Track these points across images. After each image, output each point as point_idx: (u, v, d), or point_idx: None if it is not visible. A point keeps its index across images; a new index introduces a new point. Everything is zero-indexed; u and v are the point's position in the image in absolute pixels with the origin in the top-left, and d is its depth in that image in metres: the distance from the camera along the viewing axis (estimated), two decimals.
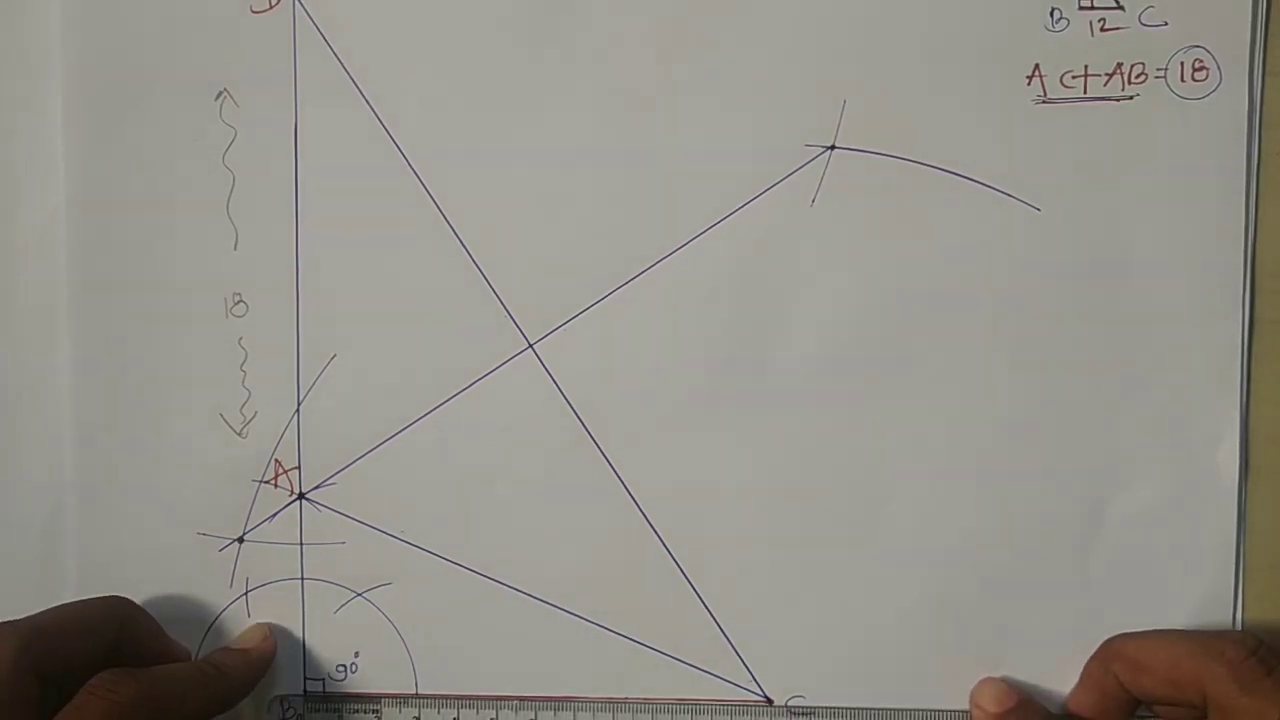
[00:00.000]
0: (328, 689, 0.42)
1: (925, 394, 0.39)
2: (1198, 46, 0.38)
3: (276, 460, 0.41)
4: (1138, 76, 0.38)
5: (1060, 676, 0.39)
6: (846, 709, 0.40)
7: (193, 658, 0.41)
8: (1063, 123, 0.38)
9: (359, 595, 0.41)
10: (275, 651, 0.41)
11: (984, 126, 0.39)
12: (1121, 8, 0.38)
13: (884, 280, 0.39)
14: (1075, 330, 0.39)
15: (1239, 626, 0.39)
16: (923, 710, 0.40)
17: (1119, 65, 0.38)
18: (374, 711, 0.42)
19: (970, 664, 0.40)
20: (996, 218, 0.39)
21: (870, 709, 0.40)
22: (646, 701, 0.41)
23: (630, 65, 0.39)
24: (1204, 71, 0.38)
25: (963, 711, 0.40)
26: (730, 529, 0.40)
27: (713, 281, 0.40)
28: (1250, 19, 0.38)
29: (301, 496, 0.41)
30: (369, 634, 0.41)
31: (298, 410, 0.41)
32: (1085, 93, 0.38)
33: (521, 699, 0.41)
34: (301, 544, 0.41)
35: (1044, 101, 0.38)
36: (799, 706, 0.40)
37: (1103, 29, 0.38)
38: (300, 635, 0.42)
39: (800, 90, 0.39)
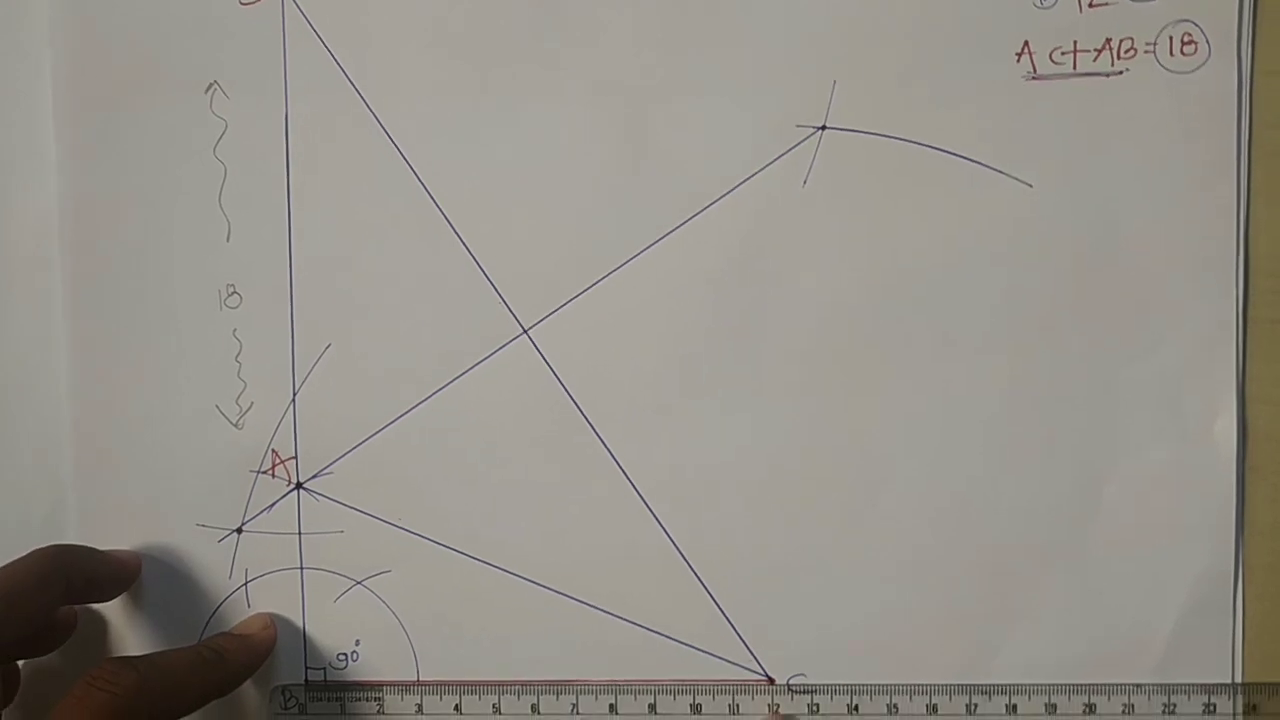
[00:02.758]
0: (329, 678, 0.42)
1: (920, 372, 0.39)
2: (1186, 20, 0.38)
3: (273, 450, 0.41)
4: (1127, 51, 0.38)
5: (1060, 653, 0.40)
6: (847, 686, 0.40)
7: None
8: (1053, 99, 0.38)
9: (358, 584, 0.41)
10: (276, 640, 0.41)
11: (974, 104, 0.39)
12: None
13: (877, 259, 0.39)
14: (1069, 305, 0.39)
15: (1239, 627, 0.39)
16: (923, 685, 0.40)
17: (1108, 40, 0.38)
18: (376, 699, 0.42)
19: (970, 641, 0.40)
20: (988, 195, 0.39)
21: (871, 685, 0.40)
22: (648, 683, 0.41)
23: (620, 50, 0.39)
24: (1193, 45, 0.38)
25: (963, 686, 0.40)
26: (728, 511, 0.40)
27: (707, 264, 0.40)
28: None
29: (299, 486, 0.41)
30: (369, 622, 0.41)
31: (293, 400, 0.41)
32: (1075, 68, 0.38)
33: (523, 684, 0.41)
34: (300, 533, 0.41)
35: (1034, 78, 0.38)
36: (800, 685, 0.41)
37: (1091, 4, 0.38)
38: (300, 625, 0.42)
39: (790, 71, 0.39)
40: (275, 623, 0.41)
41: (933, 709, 0.40)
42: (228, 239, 0.41)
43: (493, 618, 0.41)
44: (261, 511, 0.41)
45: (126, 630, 0.42)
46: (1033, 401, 0.39)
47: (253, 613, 0.41)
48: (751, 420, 0.40)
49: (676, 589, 0.41)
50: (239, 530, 0.41)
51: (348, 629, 0.42)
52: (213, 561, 0.42)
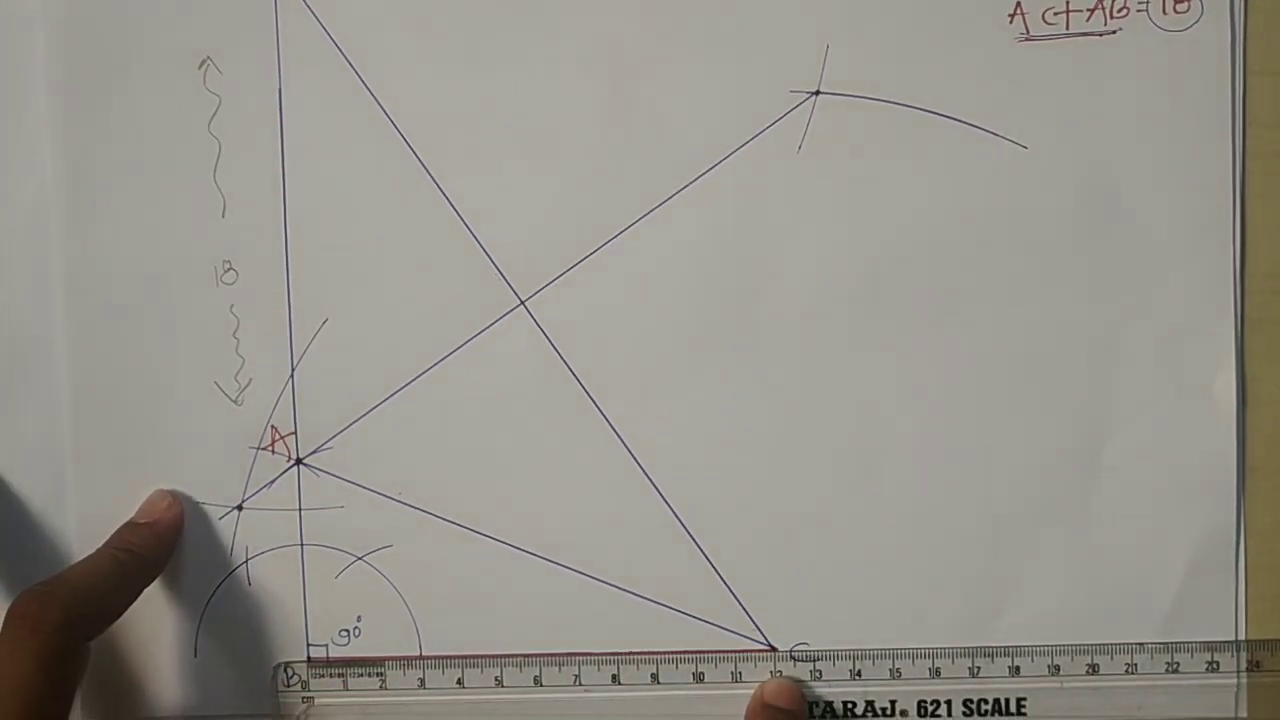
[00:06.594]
0: (331, 654, 0.42)
1: (919, 336, 0.39)
2: None
3: (273, 426, 0.41)
4: (1119, 10, 0.38)
5: (1062, 614, 0.40)
6: (849, 651, 0.40)
7: (196, 631, 0.42)
8: (1046, 60, 0.38)
9: (359, 559, 0.41)
10: (183, 515, 0.41)
11: (968, 66, 0.39)
12: None
13: (874, 223, 0.39)
14: (1066, 267, 0.39)
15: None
16: (925, 649, 0.40)
17: (1100, 0, 0.38)
18: (378, 675, 0.42)
19: (972, 604, 0.40)
20: (984, 157, 0.39)
21: (873, 650, 0.40)
22: (650, 654, 0.41)
23: (613, 16, 0.39)
24: (1185, 3, 0.38)
25: (965, 649, 0.40)
26: (729, 479, 0.40)
27: (703, 231, 0.40)
28: None
29: (299, 462, 0.41)
30: (371, 597, 0.41)
31: (292, 376, 0.41)
32: (1068, 28, 0.38)
33: (525, 656, 0.41)
34: (300, 509, 0.41)
35: (1026, 39, 0.38)
36: (802, 652, 0.41)
37: None
38: (302, 601, 0.42)
39: (783, 36, 0.39)
40: (178, 498, 0.41)
41: (935, 672, 0.40)
42: (223, 215, 0.41)
43: (494, 591, 0.41)
44: (262, 488, 0.41)
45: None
46: (1031, 362, 0.39)
47: (255, 587, 0.41)
48: (750, 387, 0.40)
49: (677, 558, 0.41)
50: (239, 507, 0.41)
51: (349, 605, 0.42)
52: (213, 539, 0.41)
